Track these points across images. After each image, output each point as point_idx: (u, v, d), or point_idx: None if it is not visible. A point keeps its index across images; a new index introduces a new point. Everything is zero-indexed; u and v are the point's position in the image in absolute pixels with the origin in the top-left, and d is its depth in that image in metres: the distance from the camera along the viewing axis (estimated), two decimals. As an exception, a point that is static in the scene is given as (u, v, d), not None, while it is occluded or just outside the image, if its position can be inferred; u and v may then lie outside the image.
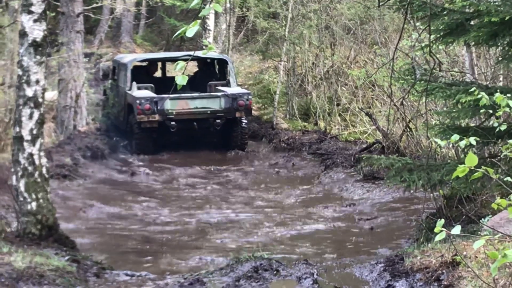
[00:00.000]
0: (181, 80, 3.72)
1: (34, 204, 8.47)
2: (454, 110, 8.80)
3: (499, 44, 8.78)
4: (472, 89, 6.49)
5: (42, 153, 8.57)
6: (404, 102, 13.08)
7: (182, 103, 15.93)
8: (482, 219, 8.13)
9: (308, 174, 14.73)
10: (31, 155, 8.47)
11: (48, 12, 9.77)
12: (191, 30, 3.60)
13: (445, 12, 8.64)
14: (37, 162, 8.49)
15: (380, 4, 10.16)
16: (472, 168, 4.00)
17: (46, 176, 8.61)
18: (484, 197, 9.19)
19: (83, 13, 16.54)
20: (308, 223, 11.15)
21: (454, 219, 8.82)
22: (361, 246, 9.94)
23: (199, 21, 3.58)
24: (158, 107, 15.68)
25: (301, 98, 19.45)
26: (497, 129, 6.76)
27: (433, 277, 6.73)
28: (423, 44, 9.80)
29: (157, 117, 15.68)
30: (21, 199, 8.49)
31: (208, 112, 16.05)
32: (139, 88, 16.28)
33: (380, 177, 12.69)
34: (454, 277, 6.53)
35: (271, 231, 10.74)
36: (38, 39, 8.52)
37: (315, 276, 7.30)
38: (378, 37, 17.92)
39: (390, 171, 8.98)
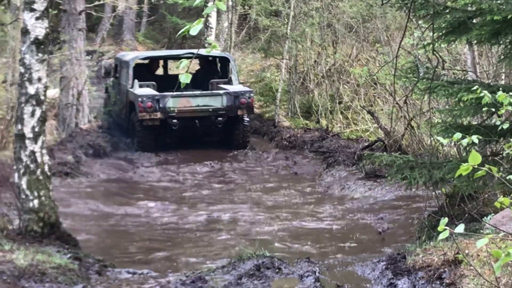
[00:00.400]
0: (185, 79, 3.71)
1: (36, 201, 8.47)
2: (456, 108, 8.79)
3: (501, 42, 8.78)
4: (474, 87, 6.48)
5: (44, 151, 8.56)
6: (406, 101, 13.08)
7: (184, 101, 15.91)
8: (485, 217, 8.12)
9: (310, 172, 14.73)
10: (33, 152, 8.46)
11: (50, 9, 9.79)
12: (195, 28, 3.59)
13: (447, 11, 8.64)
14: (39, 159, 8.49)
15: (383, 2, 10.16)
16: (476, 166, 4.00)
17: (48, 173, 8.60)
18: (486, 195, 9.18)
19: (85, 11, 16.54)
20: (310, 221, 11.15)
21: (456, 218, 8.80)
22: (363, 244, 9.94)
23: (202, 19, 3.57)
24: (160, 105, 15.67)
25: (303, 96, 19.43)
26: (499, 127, 6.74)
27: (435, 275, 6.72)
28: (425, 43, 9.79)
29: (159, 115, 15.66)
30: (23, 196, 8.49)
31: (210, 110, 16.03)
32: (141, 86, 16.26)
33: (382, 175, 12.68)
34: (456, 275, 6.53)
35: (272, 229, 10.74)
36: (40, 37, 8.51)
37: (317, 274, 7.28)
38: (380, 35, 17.90)
39: (391, 168, 8.98)
